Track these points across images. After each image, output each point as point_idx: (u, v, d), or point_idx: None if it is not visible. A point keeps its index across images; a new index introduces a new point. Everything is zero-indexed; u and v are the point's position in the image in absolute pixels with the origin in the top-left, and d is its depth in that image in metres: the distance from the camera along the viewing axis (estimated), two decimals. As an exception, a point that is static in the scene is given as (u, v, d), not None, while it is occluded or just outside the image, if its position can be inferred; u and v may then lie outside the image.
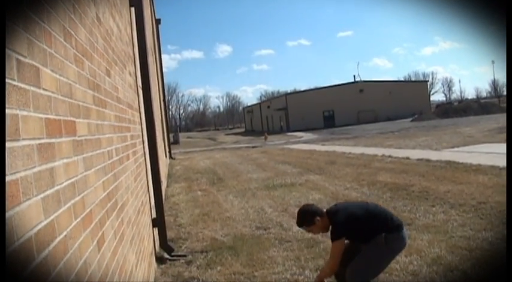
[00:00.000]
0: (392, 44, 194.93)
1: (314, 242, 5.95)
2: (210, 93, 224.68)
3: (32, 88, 1.47)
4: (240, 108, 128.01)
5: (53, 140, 1.66)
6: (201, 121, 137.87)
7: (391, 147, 18.83)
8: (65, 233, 1.68)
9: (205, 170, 17.01)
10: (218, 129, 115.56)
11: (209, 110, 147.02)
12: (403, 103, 61.51)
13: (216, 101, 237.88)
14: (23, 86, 1.38)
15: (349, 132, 39.60)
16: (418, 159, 13.23)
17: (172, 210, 9.24)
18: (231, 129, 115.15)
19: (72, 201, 1.84)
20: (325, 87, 68.26)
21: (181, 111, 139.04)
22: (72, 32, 2.11)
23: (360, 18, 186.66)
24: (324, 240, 6.03)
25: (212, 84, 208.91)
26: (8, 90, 1.25)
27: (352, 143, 23.48)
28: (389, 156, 14.75)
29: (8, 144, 1.22)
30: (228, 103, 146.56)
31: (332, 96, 62.40)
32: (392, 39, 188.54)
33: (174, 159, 24.50)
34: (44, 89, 1.59)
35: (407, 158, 13.74)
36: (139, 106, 5.58)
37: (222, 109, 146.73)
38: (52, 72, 1.72)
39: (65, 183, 1.77)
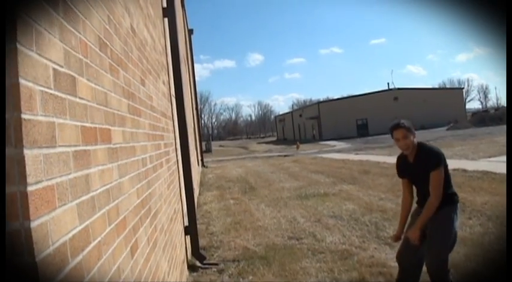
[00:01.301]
0: (426, 50, 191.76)
1: (348, 254, 5.85)
2: (242, 102, 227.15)
3: (69, 97, 1.51)
4: (272, 116, 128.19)
5: (88, 148, 1.70)
6: (233, 130, 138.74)
7: (426, 156, 18.31)
8: (99, 238, 1.71)
9: (237, 178, 17.04)
10: (250, 138, 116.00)
11: (241, 119, 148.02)
12: (438, 111, 60.16)
13: (248, 109, 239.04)
14: (59, 94, 1.41)
15: (383, 141, 38.94)
16: (454, 169, 12.83)
17: (205, 219, 9.28)
18: (262, 137, 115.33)
19: (107, 208, 1.87)
20: (358, 95, 67.49)
21: (214, 120, 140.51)
22: (108, 42, 2.16)
23: (393, 25, 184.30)
24: (358, 252, 5.94)
25: (244, 93, 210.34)
26: (45, 99, 1.29)
27: (386, 153, 23.06)
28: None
29: (44, 151, 1.25)
30: (260, 112, 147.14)
31: (365, 105, 61.65)
32: (425, 46, 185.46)
33: (207, 167, 24.68)
34: (80, 98, 1.63)
35: (444, 168, 13.32)
36: (172, 114, 5.65)
37: (253, 118, 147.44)
38: (88, 81, 1.76)
39: (100, 190, 1.80)
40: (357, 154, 24.90)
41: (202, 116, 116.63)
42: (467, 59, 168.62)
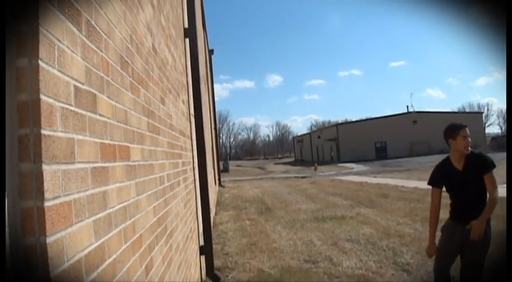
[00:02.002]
0: (446, 74, 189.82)
1: (365, 280, 5.76)
2: (260, 122, 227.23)
3: (89, 113, 1.52)
4: (290, 137, 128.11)
5: (107, 164, 1.70)
6: (251, 150, 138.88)
7: (445, 181, 18.09)
8: (114, 256, 1.70)
9: (253, 199, 16.98)
10: (267, 159, 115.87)
11: (259, 139, 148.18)
12: (458, 135, 59.31)
13: (266, 130, 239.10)
14: (80, 111, 1.43)
15: (401, 164, 38.59)
16: (475, 195, 12.66)
17: (220, 239, 9.23)
18: (280, 158, 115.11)
19: (123, 225, 1.87)
20: (377, 118, 67.11)
21: (232, 140, 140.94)
22: (129, 61, 2.19)
23: (413, 48, 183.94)
24: (375, 278, 5.83)
25: (262, 114, 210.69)
26: (66, 115, 1.30)
27: (405, 176, 22.84)
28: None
29: (63, 167, 1.26)
30: (278, 132, 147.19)
31: (384, 127, 61.22)
32: (445, 70, 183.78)
33: (224, 187, 24.66)
34: (100, 115, 1.65)
35: (463, 194, 13.14)
36: (191, 133, 5.68)
37: (271, 138, 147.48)
38: (108, 98, 1.78)
39: (117, 207, 1.80)
40: (375, 177, 24.65)
41: (221, 135, 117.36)
42: (487, 83, 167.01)
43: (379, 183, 19.93)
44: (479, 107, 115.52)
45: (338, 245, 7.86)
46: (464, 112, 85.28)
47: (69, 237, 1.27)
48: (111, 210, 1.71)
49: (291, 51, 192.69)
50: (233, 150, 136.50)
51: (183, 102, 5.06)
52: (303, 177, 30.68)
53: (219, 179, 24.79)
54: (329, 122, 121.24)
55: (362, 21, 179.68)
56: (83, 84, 1.48)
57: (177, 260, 3.49)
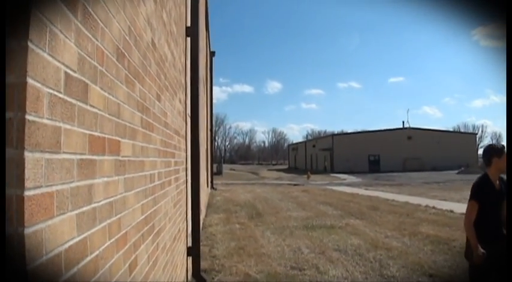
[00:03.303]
0: (443, 93, 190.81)
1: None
2: (256, 127, 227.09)
3: (79, 103, 1.47)
4: (285, 144, 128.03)
5: (95, 157, 1.65)
6: (246, 154, 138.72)
7: (435, 198, 18.25)
8: (96, 252, 1.64)
9: (245, 203, 16.93)
10: (261, 164, 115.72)
11: (254, 144, 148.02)
12: (450, 154, 59.71)
13: (262, 135, 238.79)
14: (69, 99, 1.37)
15: (394, 178, 38.66)
16: (461, 214, 12.70)
17: (209, 241, 9.18)
18: (274, 164, 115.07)
19: (108, 221, 1.81)
20: (372, 131, 67.34)
21: (227, 143, 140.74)
22: (126, 53, 2.14)
23: (412, 65, 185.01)
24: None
25: (259, 119, 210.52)
26: (53, 101, 1.25)
27: (396, 190, 22.91)
28: (433, 208, 14.34)
29: (47, 156, 1.21)
30: (274, 139, 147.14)
31: (379, 141, 61.40)
32: (443, 89, 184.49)
33: (216, 189, 24.58)
34: (91, 106, 1.59)
35: (451, 211, 13.31)
36: (186, 134, 5.63)
37: (267, 144, 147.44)
38: (101, 90, 1.72)
39: (103, 202, 1.75)
40: (366, 189, 24.65)
41: (216, 138, 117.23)
42: (483, 105, 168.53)
43: (370, 195, 19.94)
44: (473, 128, 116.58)
45: (326, 253, 7.83)
46: (459, 132, 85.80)
47: (49, 230, 1.22)
48: (96, 204, 1.66)
49: (292, 59, 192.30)
50: (228, 154, 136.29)
51: (180, 102, 5.01)
52: (295, 185, 30.64)
53: (212, 182, 24.70)
54: (325, 132, 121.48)
55: (365, 35, 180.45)
56: (74, 72, 1.43)
57: (163, 259, 3.44)
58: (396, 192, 21.48)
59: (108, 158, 1.84)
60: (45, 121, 1.19)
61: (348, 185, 30.92)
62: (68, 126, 1.37)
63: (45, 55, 1.19)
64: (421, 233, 9.77)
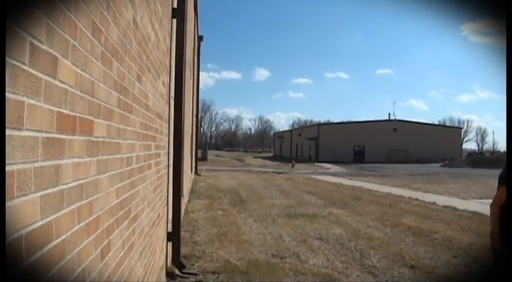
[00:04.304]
0: (430, 87, 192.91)
1: (330, 279, 5.75)
2: (243, 114, 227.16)
3: (46, 77, 1.37)
4: (271, 132, 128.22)
5: (63, 136, 1.55)
6: (231, 141, 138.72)
7: (418, 190, 18.48)
8: (63, 236, 1.56)
9: (228, 189, 16.92)
10: (247, 151, 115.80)
11: (240, 131, 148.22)
12: (435, 147, 60.45)
13: (249, 123, 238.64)
14: (34, 72, 1.27)
15: (378, 169, 38.99)
16: (444, 206, 12.97)
17: (190, 226, 9.13)
18: (259, 152, 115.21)
19: (78, 204, 1.72)
20: (358, 122, 67.76)
21: (213, 129, 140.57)
22: (103, 29, 2.03)
23: (400, 57, 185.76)
24: (340, 278, 5.82)
25: (246, 107, 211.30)
26: (16, 74, 1.15)
27: (380, 181, 23.09)
28: (416, 199, 14.51)
29: (7, 132, 1.11)
30: (260, 126, 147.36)
31: (364, 132, 61.86)
32: (430, 82, 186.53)
33: (200, 175, 24.53)
34: (60, 81, 1.49)
35: (434, 203, 13.51)
36: (169, 117, 5.53)
37: (253, 131, 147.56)
38: (73, 65, 1.62)
39: (72, 184, 1.66)
40: (350, 179, 24.83)
41: (202, 124, 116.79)
42: (469, 100, 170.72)
43: (354, 185, 20.09)
44: (459, 122, 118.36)
45: (307, 242, 7.84)
46: (444, 126, 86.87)
47: (9, 212, 1.13)
48: (64, 186, 1.57)
49: (281, 47, 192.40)
50: (213, 140, 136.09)
51: (164, 84, 4.90)
52: (279, 173, 30.73)
53: (196, 167, 24.63)
54: (311, 121, 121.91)
55: (356, 27, 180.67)
56: (42, 43, 1.33)
57: (140, 245, 3.36)
58: (380, 183, 21.65)
59: (79, 138, 1.74)
60: (6, 94, 1.10)
61: (333, 174, 31.08)
62: (32, 101, 1.27)
63: (9, 23, 1.09)
64: (403, 224, 9.85)
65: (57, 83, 1.47)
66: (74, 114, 1.66)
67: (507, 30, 3.42)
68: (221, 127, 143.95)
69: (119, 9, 2.33)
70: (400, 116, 72.38)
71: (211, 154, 62.93)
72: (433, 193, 17.12)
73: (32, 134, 1.28)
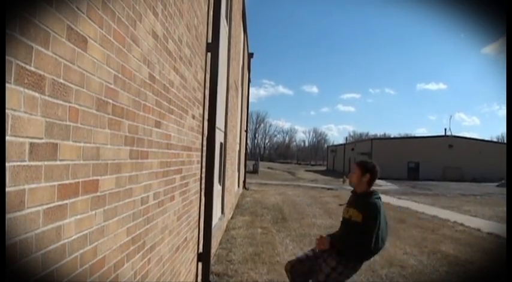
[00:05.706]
0: (484, 102, 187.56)
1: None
2: (296, 126, 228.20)
3: (46, 162, 1.60)
4: (325, 145, 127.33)
5: (65, 201, 1.77)
6: (285, 153, 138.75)
7: (467, 213, 17.86)
8: (65, 280, 1.81)
9: (273, 206, 17.12)
10: (300, 164, 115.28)
11: (294, 143, 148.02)
12: (492, 165, 57.67)
13: (302, 135, 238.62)
14: (34, 163, 1.51)
15: (431, 188, 37.89)
16: (488, 233, 12.55)
17: (228, 244, 9.44)
18: (313, 165, 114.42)
19: (81, 252, 1.96)
20: (413, 137, 66.03)
21: (267, 141, 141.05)
22: (110, 100, 2.26)
23: (450, 72, 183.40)
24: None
25: (299, 120, 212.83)
26: (16, 171, 1.40)
27: (430, 202, 22.52)
28: (461, 225, 14.09)
29: (9, 215, 1.36)
30: (314, 139, 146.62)
31: (419, 148, 60.19)
32: (485, 98, 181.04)
33: (248, 189, 24.85)
34: (60, 160, 1.71)
35: (478, 230, 13.13)
36: (202, 145, 5.86)
37: (307, 144, 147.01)
38: (74, 142, 1.83)
39: (75, 237, 1.89)
40: (399, 198, 24.33)
41: (256, 135, 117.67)
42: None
43: (401, 206, 19.68)
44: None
45: (339, 267, 7.91)
46: (502, 143, 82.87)
47: (9, 275, 1.37)
48: (66, 240, 1.80)
49: (329, 64, 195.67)
50: (267, 151, 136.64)
51: (194, 117, 5.23)
52: (328, 189, 30.55)
53: (244, 181, 25.00)
54: (367, 134, 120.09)
55: (403, 42, 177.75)
56: (41, 139, 1.55)
57: (158, 271, 3.68)
58: (429, 204, 21.15)
59: (82, 197, 1.95)
60: (7, 189, 1.35)
61: (383, 192, 30.47)
62: (33, 186, 1.50)
63: (8, 137, 1.36)
64: (441, 251, 9.69)
65: (58, 162, 1.71)
66: (77, 180, 1.89)
67: (507, 30, 3.47)
68: (275, 139, 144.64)
69: (129, 76, 2.55)
70: (455, 132, 69.94)
71: (263, 166, 63.26)
72: (481, 218, 16.52)
73: (34, 209, 1.53)
